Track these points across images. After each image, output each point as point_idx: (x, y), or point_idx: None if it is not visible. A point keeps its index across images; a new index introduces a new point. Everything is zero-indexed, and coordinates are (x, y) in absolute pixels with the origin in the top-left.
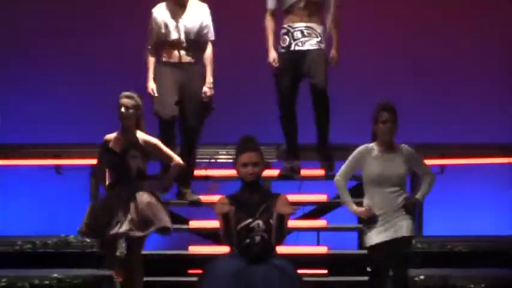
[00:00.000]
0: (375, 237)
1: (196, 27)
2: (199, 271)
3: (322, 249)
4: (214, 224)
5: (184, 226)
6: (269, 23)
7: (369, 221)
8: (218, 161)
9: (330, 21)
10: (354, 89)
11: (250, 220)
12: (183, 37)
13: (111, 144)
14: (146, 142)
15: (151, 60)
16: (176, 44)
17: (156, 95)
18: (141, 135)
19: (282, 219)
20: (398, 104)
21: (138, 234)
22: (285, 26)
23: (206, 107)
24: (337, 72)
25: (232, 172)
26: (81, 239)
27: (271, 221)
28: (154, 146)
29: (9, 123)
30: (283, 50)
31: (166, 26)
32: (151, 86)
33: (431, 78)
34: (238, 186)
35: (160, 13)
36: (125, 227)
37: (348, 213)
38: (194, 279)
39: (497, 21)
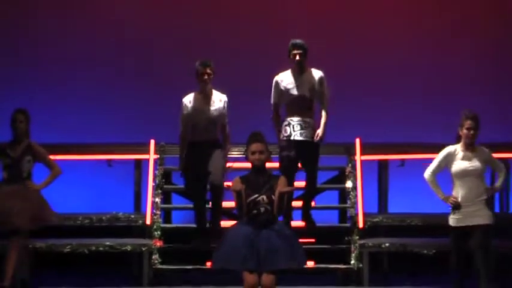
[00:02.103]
0: (453, 221)
1: (217, 114)
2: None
3: None
4: (229, 204)
5: (207, 206)
6: (276, 118)
7: (454, 207)
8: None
9: (322, 111)
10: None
11: (256, 195)
12: (207, 121)
13: (7, 150)
14: (36, 149)
15: (184, 140)
16: (201, 126)
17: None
18: (32, 144)
19: (282, 196)
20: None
21: (32, 226)
22: (287, 119)
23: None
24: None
25: (241, 165)
26: (128, 216)
27: (273, 196)
28: (42, 153)
29: (72, 127)
30: (284, 138)
31: (193, 111)
32: (184, 162)
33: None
34: (245, 174)
35: (189, 101)
36: (20, 220)
37: (331, 196)
38: (213, 245)
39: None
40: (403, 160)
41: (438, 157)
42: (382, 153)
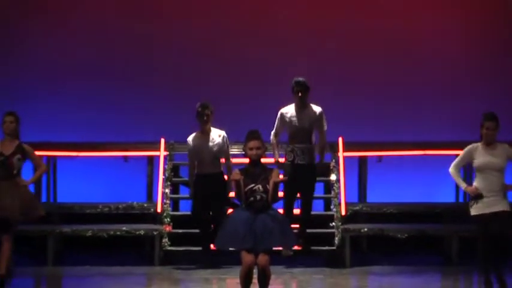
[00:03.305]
0: (475, 210)
1: (218, 149)
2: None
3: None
4: (230, 194)
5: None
6: (275, 142)
7: (475, 197)
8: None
9: (320, 142)
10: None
11: (253, 185)
12: (210, 157)
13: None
14: (26, 149)
15: (192, 172)
16: (206, 162)
17: (195, 197)
18: (22, 144)
19: (275, 185)
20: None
21: (24, 218)
22: (291, 146)
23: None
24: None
25: (240, 160)
26: (142, 205)
27: (267, 186)
28: (31, 152)
29: (96, 128)
30: (289, 163)
31: (196, 149)
32: (193, 190)
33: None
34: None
35: (193, 140)
36: (11, 212)
37: (317, 187)
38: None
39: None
40: (380, 156)
41: (461, 154)
42: (362, 151)
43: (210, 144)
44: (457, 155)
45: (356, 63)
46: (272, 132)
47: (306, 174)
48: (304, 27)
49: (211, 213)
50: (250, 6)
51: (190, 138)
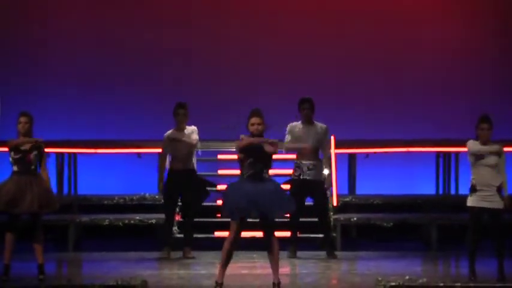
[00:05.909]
0: (470, 202)
1: (190, 145)
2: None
3: None
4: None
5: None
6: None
7: (471, 189)
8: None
9: (325, 158)
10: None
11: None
12: (184, 151)
13: (19, 145)
14: (42, 147)
15: (162, 167)
16: (178, 157)
17: (163, 191)
18: (38, 141)
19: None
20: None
21: (42, 211)
22: (297, 161)
23: (203, 193)
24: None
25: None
26: (153, 196)
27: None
28: (43, 150)
29: (112, 127)
30: (295, 177)
31: (171, 143)
32: (161, 187)
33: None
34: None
35: (169, 136)
36: (30, 206)
37: None
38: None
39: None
40: (367, 153)
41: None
42: (352, 148)
43: (184, 139)
44: (437, 152)
45: (348, 70)
46: (285, 140)
47: (314, 189)
48: (301, 30)
49: (181, 204)
50: (251, 7)
51: (166, 134)
